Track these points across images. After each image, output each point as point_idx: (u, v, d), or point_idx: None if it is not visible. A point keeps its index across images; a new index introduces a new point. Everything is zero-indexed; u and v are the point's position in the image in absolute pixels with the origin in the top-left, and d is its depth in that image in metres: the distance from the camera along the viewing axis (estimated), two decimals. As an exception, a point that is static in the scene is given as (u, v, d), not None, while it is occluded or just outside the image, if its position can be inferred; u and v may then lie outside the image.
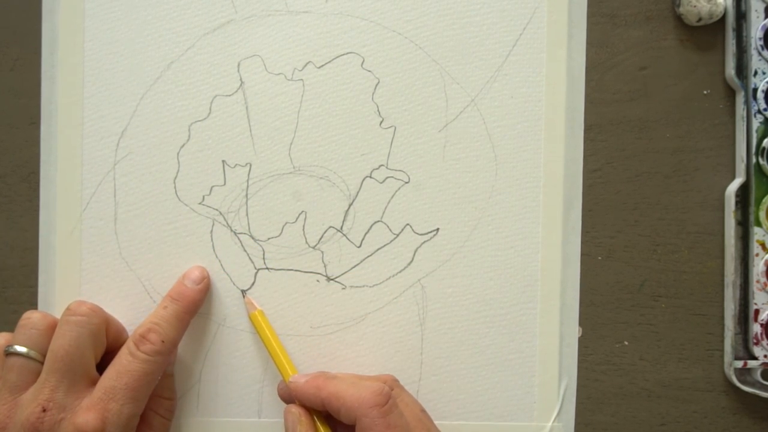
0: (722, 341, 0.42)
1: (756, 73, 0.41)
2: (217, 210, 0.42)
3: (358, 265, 0.42)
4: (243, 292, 0.41)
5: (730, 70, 0.42)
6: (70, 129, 0.42)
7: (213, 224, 0.42)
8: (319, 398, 0.37)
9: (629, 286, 0.42)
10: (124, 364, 0.37)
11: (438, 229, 0.42)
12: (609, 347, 0.42)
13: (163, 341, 0.38)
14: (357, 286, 0.42)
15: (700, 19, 0.41)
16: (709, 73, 0.42)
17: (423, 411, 0.38)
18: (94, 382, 0.37)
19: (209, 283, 0.41)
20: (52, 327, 0.38)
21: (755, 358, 0.41)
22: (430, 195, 0.42)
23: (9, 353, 0.37)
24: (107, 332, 0.38)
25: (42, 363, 0.37)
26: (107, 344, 0.39)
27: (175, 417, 0.41)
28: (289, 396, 0.39)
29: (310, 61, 0.42)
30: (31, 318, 0.38)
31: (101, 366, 0.38)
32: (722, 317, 0.42)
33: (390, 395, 0.36)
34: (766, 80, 0.41)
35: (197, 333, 0.41)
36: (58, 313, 0.41)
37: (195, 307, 0.40)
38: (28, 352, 0.37)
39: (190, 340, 0.41)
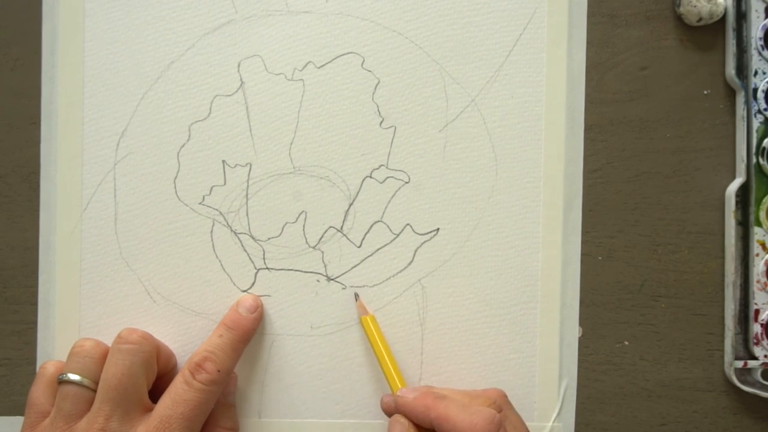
0: (722, 341, 0.42)
1: (756, 73, 0.41)
2: (217, 210, 0.42)
3: (358, 265, 0.42)
4: (356, 295, 0.41)
5: (731, 70, 0.42)
6: (70, 129, 0.42)
7: (213, 224, 0.42)
8: (428, 418, 0.36)
9: (629, 286, 0.42)
10: (179, 393, 0.37)
11: (438, 229, 0.42)
12: (609, 347, 0.42)
13: (219, 370, 0.38)
14: (357, 286, 0.42)
15: (700, 19, 0.41)
16: (710, 73, 0.42)
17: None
18: (147, 409, 0.37)
19: (262, 312, 0.41)
20: (104, 355, 0.38)
21: (755, 358, 0.41)
22: (430, 195, 0.42)
23: (63, 381, 0.37)
24: (157, 358, 0.39)
25: (95, 391, 0.37)
26: (158, 370, 0.39)
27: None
28: (392, 409, 0.39)
29: (310, 61, 0.42)
30: (84, 346, 0.38)
31: (151, 391, 0.38)
32: (722, 317, 0.42)
33: (501, 424, 0.35)
34: (766, 80, 0.41)
35: (197, 333, 0.41)
36: (57, 315, 0.41)
37: (249, 336, 0.40)
38: (81, 380, 0.37)
39: (190, 340, 0.41)
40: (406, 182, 0.42)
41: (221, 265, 0.42)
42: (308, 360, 0.42)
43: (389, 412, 0.39)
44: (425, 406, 0.36)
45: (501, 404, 0.38)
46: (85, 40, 0.42)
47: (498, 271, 0.42)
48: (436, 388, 0.40)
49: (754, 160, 0.41)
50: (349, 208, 0.42)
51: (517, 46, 0.42)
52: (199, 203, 0.42)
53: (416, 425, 0.37)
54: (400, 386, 0.39)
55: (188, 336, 0.41)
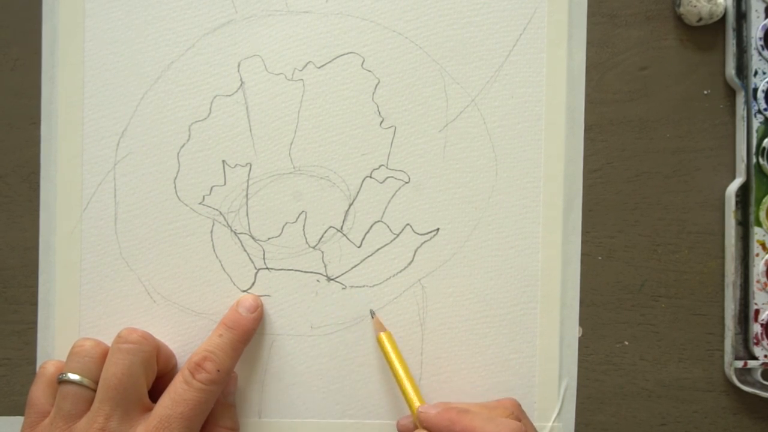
0: (722, 341, 0.42)
1: (756, 73, 0.41)
2: (217, 210, 0.42)
3: (358, 265, 0.42)
4: (372, 312, 0.41)
5: (731, 70, 0.42)
6: (70, 129, 0.42)
7: (213, 224, 0.42)
8: None
9: (629, 286, 0.42)
10: (179, 392, 0.37)
11: (438, 229, 0.42)
12: (609, 347, 0.42)
13: (218, 370, 0.38)
14: (357, 286, 0.42)
15: (700, 19, 0.41)
16: (710, 73, 0.42)
17: None
18: (146, 409, 0.37)
19: (262, 312, 0.41)
20: (104, 354, 0.38)
21: (755, 358, 0.41)
22: (430, 195, 0.42)
23: (62, 381, 0.37)
24: (158, 358, 0.39)
25: (95, 390, 0.37)
26: (158, 370, 0.39)
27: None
28: (409, 429, 0.39)
29: (310, 61, 0.42)
30: (83, 346, 0.38)
31: (151, 391, 0.38)
32: (722, 317, 0.42)
33: None
34: (766, 80, 0.41)
35: (198, 333, 0.41)
36: (57, 315, 0.41)
37: (249, 336, 0.40)
38: (81, 380, 0.37)
39: (190, 340, 0.41)
40: (406, 182, 0.42)
41: (221, 265, 0.42)
42: (308, 360, 0.42)
43: (407, 431, 0.39)
44: (449, 420, 0.36)
45: (518, 414, 0.38)
46: (85, 40, 0.42)
47: (498, 271, 0.42)
48: (454, 403, 0.39)
49: (754, 160, 0.41)
50: (349, 208, 0.42)
51: (517, 46, 0.42)
52: (199, 203, 0.42)
53: None
54: (419, 404, 0.38)
55: (188, 336, 0.41)
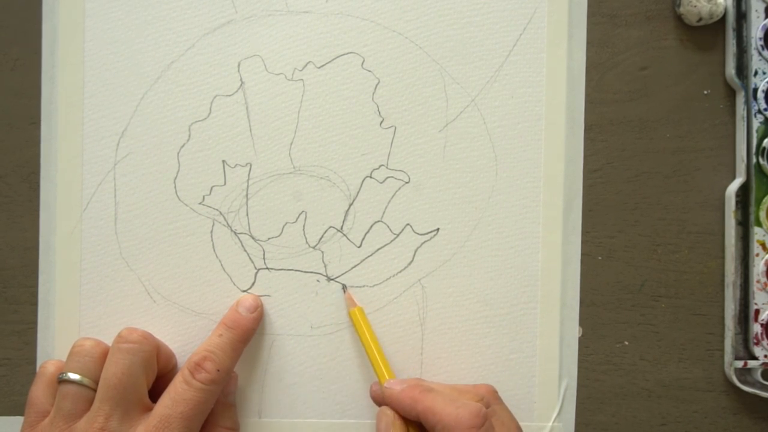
0: (722, 341, 0.42)
1: (756, 73, 0.41)
2: (217, 210, 0.42)
3: (358, 265, 0.42)
4: (344, 286, 0.41)
5: (731, 70, 0.42)
6: (70, 129, 0.42)
7: (213, 224, 0.42)
8: (415, 410, 0.36)
9: (629, 286, 0.42)
10: (179, 392, 0.37)
11: (438, 229, 0.42)
12: (609, 347, 0.42)
13: (218, 370, 0.38)
14: (357, 286, 0.42)
15: (700, 19, 0.41)
16: (710, 73, 0.42)
17: (519, 429, 0.38)
18: (147, 409, 0.37)
19: (262, 312, 0.41)
20: (104, 354, 0.38)
21: (755, 358, 0.41)
22: (430, 195, 0.42)
23: (62, 381, 0.37)
24: (158, 358, 0.39)
25: (95, 390, 0.37)
26: (158, 370, 0.39)
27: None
28: (380, 397, 0.39)
29: (310, 61, 0.42)
30: (83, 345, 0.38)
31: (151, 391, 0.38)
32: (722, 317, 0.42)
33: (487, 417, 0.35)
34: (766, 80, 0.41)
35: (198, 333, 0.41)
36: (57, 315, 0.41)
37: (249, 336, 0.40)
38: (81, 380, 0.37)
39: (190, 340, 0.41)
40: (406, 182, 0.42)
41: (221, 265, 0.42)
42: (308, 360, 0.42)
43: (378, 401, 0.39)
44: (412, 398, 0.36)
45: (489, 400, 0.38)
46: (85, 40, 0.42)
47: (498, 271, 0.42)
48: (425, 381, 0.40)
49: (754, 160, 0.41)
50: (349, 208, 0.42)
51: (517, 46, 0.42)
52: (199, 203, 0.42)
53: (403, 417, 0.37)
54: (387, 377, 0.39)
55: (188, 336, 0.41)
